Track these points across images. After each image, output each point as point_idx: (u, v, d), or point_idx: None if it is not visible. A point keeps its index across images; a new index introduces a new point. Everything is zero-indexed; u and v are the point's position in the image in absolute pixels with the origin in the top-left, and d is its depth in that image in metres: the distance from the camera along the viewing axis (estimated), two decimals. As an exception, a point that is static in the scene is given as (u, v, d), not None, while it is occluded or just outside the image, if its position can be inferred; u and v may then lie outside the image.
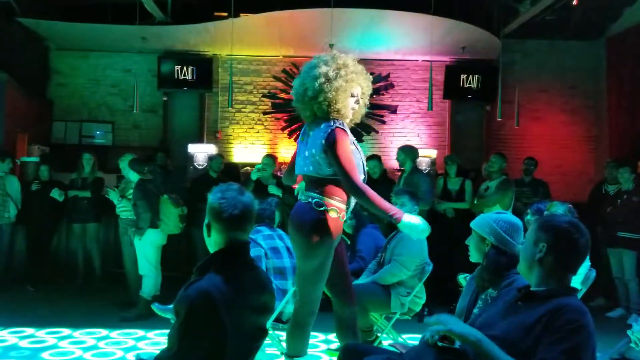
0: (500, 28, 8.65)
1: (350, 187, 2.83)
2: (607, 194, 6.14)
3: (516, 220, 2.61)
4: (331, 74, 2.90)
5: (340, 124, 2.89)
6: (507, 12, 8.55)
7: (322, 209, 2.85)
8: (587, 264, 3.69)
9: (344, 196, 2.92)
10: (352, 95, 2.97)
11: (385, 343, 4.13)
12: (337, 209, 2.88)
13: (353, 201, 3.00)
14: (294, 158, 3.17)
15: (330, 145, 2.82)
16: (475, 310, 2.45)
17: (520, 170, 6.91)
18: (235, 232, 1.96)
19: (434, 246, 5.29)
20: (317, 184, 2.91)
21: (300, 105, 3.04)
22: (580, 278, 3.61)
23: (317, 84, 2.89)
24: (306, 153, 2.95)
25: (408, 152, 6.01)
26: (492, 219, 2.64)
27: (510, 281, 2.35)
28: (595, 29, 9.00)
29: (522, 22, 8.25)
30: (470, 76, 9.30)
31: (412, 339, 4.22)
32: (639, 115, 7.94)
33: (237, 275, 1.90)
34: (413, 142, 7.66)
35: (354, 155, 2.88)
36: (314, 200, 2.87)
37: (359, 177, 2.84)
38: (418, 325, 4.73)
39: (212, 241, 1.99)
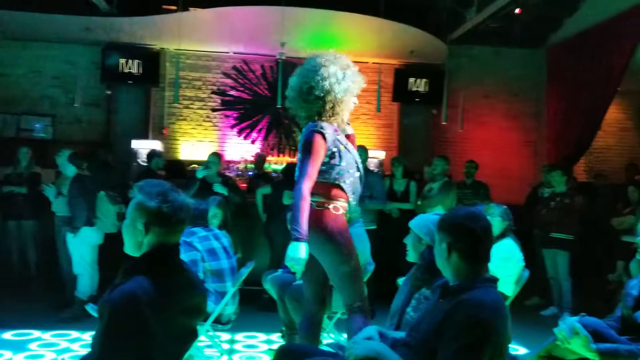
0: (447, 34, 8.85)
1: (296, 189, 2.79)
2: (542, 197, 6.38)
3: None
4: (339, 74, 2.90)
5: (319, 128, 2.86)
6: (454, 18, 8.75)
7: (321, 208, 2.85)
8: (520, 264, 3.82)
9: (344, 195, 2.91)
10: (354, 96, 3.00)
11: (326, 342, 4.14)
12: (341, 207, 2.88)
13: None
14: None
15: (302, 145, 2.84)
16: (409, 309, 2.49)
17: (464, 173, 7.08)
18: (172, 235, 1.91)
19: (379, 246, 5.36)
20: (314, 188, 2.87)
21: (299, 105, 2.98)
22: (514, 278, 3.73)
23: (326, 84, 2.87)
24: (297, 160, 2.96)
25: (366, 152, 6.13)
26: (430, 219, 2.69)
27: (444, 281, 2.39)
28: (537, 37, 9.33)
29: (468, 28, 8.47)
30: (418, 80, 9.49)
31: (353, 338, 4.24)
32: (575, 122, 8.28)
33: (166, 277, 1.85)
34: (362, 143, 7.71)
35: (343, 156, 2.88)
36: (313, 200, 2.84)
37: (309, 186, 2.78)
38: (360, 324, 4.75)
39: (145, 243, 1.89)
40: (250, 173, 8.52)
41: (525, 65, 9.76)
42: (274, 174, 8.20)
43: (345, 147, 2.94)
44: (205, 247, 3.84)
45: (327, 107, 2.90)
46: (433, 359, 1.84)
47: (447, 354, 1.78)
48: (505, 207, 4.12)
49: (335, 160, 2.88)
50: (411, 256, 2.72)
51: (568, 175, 6.25)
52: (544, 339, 2.92)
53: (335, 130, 2.94)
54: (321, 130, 2.86)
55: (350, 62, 3.01)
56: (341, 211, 2.88)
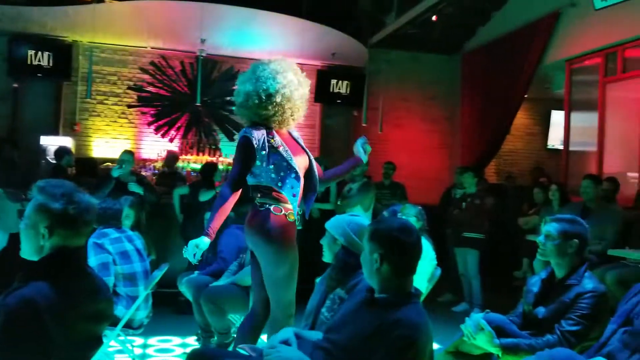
0: (368, 38, 9.03)
1: (222, 187, 2.86)
2: (454, 198, 6.65)
3: (367, 223, 2.70)
4: (295, 81, 2.91)
5: (248, 132, 2.85)
6: (374, 23, 8.94)
7: (263, 208, 2.84)
8: (433, 262, 3.95)
9: (284, 197, 2.87)
10: None
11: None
12: (283, 208, 2.85)
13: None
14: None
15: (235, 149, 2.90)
16: (323, 310, 2.51)
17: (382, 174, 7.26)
18: (77, 237, 1.82)
19: (300, 246, 5.36)
20: (258, 190, 2.89)
21: (253, 112, 2.91)
22: (427, 276, 3.85)
23: (287, 91, 2.87)
24: None
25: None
26: (345, 221, 2.72)
27: (357, 281, 2.42)
28: (453, 44, 9.71)
29: (388, 33, 8.68)
30: (340, 82, 9.62)
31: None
32: (487, 126, 8.69)
33: (68, 281, 1.75)
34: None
35: (271, 158, 2.84)
36: (256, 201, 2.86)
37: (232, 189, 2.81)
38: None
39: (47, 246, 1.78)
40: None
41: (441, 71, 10.12)
42: (193, 174, 8.03)
43: (277, 150, 2.90)
44: (117, 249, 3.68)
45: (287, 114, 2.91)
46: None
47: None
48: (420, 207, 4.25)
49: (264, 163, 2.87)
50: (327, 257, 2.74)
51: (479, 177, 6.54)
52: (455, 334, 3.02)
53: (270, 133, 2.91)
54: (247, 134, 2.85)
55: (297, 67, 3.03)
56: (283, 212, 2.86)
